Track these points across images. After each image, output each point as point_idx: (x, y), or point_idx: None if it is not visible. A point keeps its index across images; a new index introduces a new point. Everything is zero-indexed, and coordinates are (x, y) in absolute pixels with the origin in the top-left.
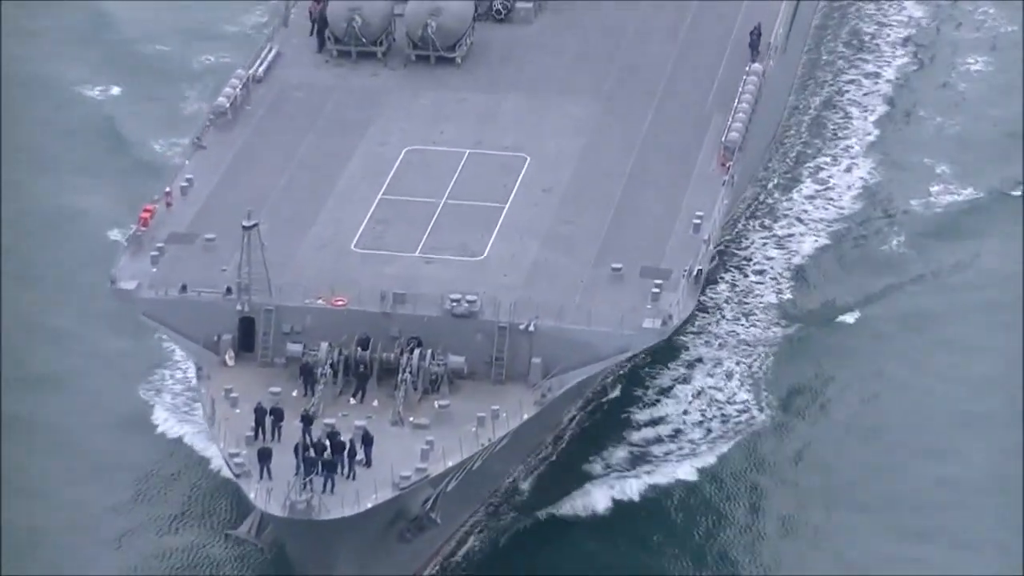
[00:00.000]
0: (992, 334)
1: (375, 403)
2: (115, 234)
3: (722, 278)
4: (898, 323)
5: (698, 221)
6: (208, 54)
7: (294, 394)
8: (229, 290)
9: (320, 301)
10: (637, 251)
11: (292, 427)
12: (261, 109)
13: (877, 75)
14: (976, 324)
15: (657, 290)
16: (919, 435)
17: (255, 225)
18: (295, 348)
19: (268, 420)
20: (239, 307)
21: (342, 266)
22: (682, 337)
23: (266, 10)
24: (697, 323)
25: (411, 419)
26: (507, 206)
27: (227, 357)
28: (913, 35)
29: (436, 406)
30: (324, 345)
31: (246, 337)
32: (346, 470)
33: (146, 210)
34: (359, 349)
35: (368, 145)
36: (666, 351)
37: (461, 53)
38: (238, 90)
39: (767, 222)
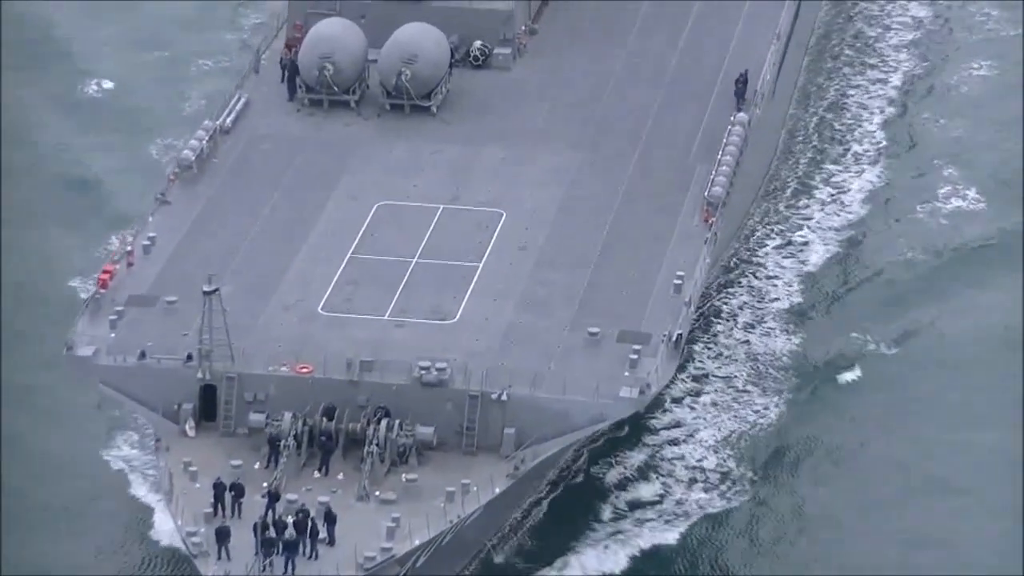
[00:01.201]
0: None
1: (340, 476)
2: (77, 283)
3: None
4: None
5: (679, 282)
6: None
7: (256, 466)
8: (190, 357)
9: (284, 368)
10: (615, 313)
11: (253, 503)
12: (229, 161)
13: (883, 80)
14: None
15: (635, 356)
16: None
17: (216, 290)
18: (258, 418)
19: (228, 496)
20: (200, 375)
21: (308, 330)
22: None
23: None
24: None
25: (377, 493)
26: (481, 265)
27: (187, 427)
28: (917, 39)
29: (404, 479)
30: (288, 415)
31: (207, 406)
32: (308, 550)
33: (106, 271)
34: (324, 419)
35: (339, 200)
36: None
37: (436, 102)
38: (204, 142)
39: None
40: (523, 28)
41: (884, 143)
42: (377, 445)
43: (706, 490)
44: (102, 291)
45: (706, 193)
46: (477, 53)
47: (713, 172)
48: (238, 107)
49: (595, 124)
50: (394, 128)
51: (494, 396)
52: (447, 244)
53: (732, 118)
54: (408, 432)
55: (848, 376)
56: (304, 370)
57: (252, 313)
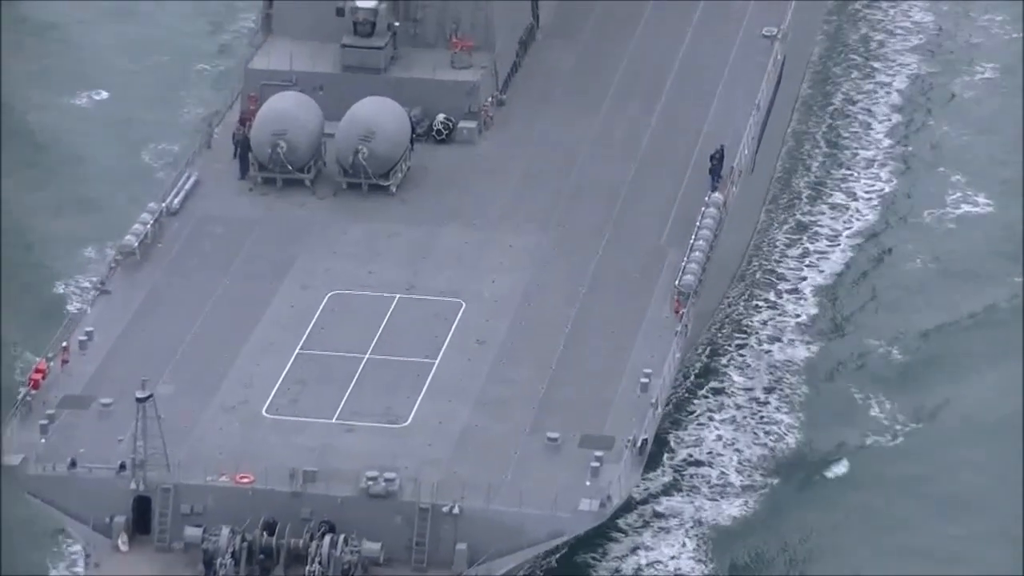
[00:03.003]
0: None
1: None
2: None
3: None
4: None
5: (646, 380)
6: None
7: None
8: (123, 466)
9: (223, 478)
10: (578, 414)
11: None
12: (175, 247)
13: (888, 84)
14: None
15: (597, 464)
16: None
17: (149, 396)
18: (194, 532)
19: None
20: (133, 486)
21: (250, 436)
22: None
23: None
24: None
25: None
26: (437, 362)
27: (120, 541)
28: (921, 44)
29: None
30: (226, 530)
31: (141, 519)
32: None
33: (38, 370)
34: (264, 534)
35: (289, 289)
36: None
37: (396, 181)
38: (149, 226)
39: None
40: (490, 99)
41: (890, 150)
42: (320, 563)
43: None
44: (33, 391)
45: (677, 282)
46: (440, 127)
47: (685, 259)
48: (187, 186)
49: (563, 203)
50: (350, 209)
51: (446, 509)
52: (402, 338)
53: (707, 198)
54: (354, 548)
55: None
56: (244, 480)
57: (191, 416)
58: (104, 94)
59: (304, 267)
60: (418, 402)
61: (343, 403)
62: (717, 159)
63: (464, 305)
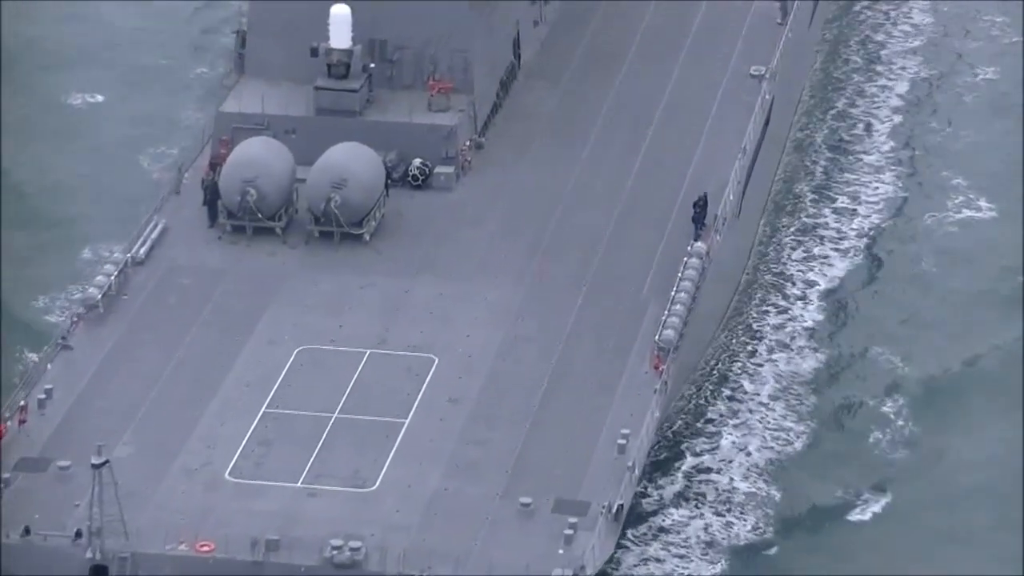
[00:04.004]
0: None
1: None
2: None
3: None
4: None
5: (623, 441)
6: None
7: None
8: (79, 534)
9: (183, 547)
10: (552, 477)
11: None
12: (139, 299)
13: (888, 88)
14: None
15: (571, 531)
16: None
17: (105, 462)
18: None
19: None
20: (89, 554)
21: (212, 501)
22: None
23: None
24: None
25: None
26: (407, 421)
27: None
28: (921, 46)
29: None
30: None
31: None
32: None
33: None
34: None
35: (256, 343)
36: None
37: (369, 229)
38: (113, 277)
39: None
40: (468, 143)
41: (892, 153)
42: None
43: None
44: None
45: (657, 337)
46: (416, 172)
47: (666, 313)
48: (154, 235)
49: (541, 252)
50: (322, 258)
51: None
52: (371, 396)
53: (689, 248)
54: None
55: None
56: (204, 548)
57: (152, 479)
58: (99, 97)
59: (273, 320)
60: (386, 465)
61: (309, 465)
62: (700, 206)
63: (437, 361)
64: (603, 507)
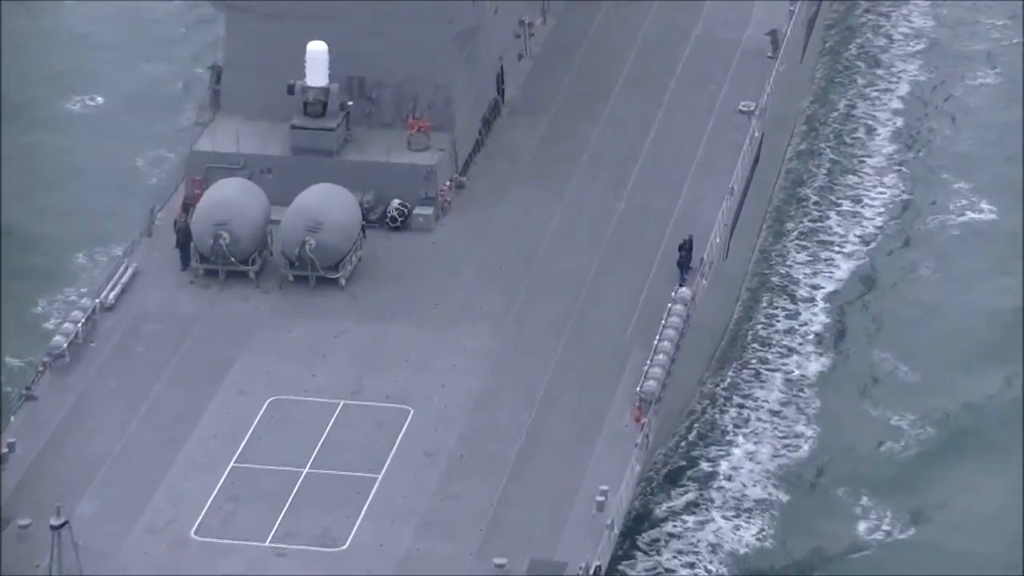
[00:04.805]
0: None
1: None
2: None
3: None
4: None
5: (602, 498)
6: None
7: None
8: None
9: None
10: (528, 536)
11: None
12: (107, 347)
13: (889, 91)
14: None
15: None
16: None
17: (64, 523)
18: None
19: None
20: None
21: (176, 561)
22: None
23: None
24: None
25: None
26: (380, 476)
27: None
28: (922, 49)
29: None
30: None
31: None
32: None
33: None
34: None
35: (227, 394)
36: None
37: (345, 273)
38: (80, 324)
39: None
40: (448, 183)
41: (893, 157)
42: None
43: None
44: None
45: (638, 388)
46: (395, 213)
47: (648, 362)
48: (124, 279)
49: (522, 298)
50: (296, 304)
51: None
52: (344, 450)
53: (673, 294)
54: None
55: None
56: None
57: (115, 538)
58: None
59: (244, 369)
60: (358, 522)
61: (278, 523)
62: (686, 250)
63: (412, 412)
64: (580, 568)
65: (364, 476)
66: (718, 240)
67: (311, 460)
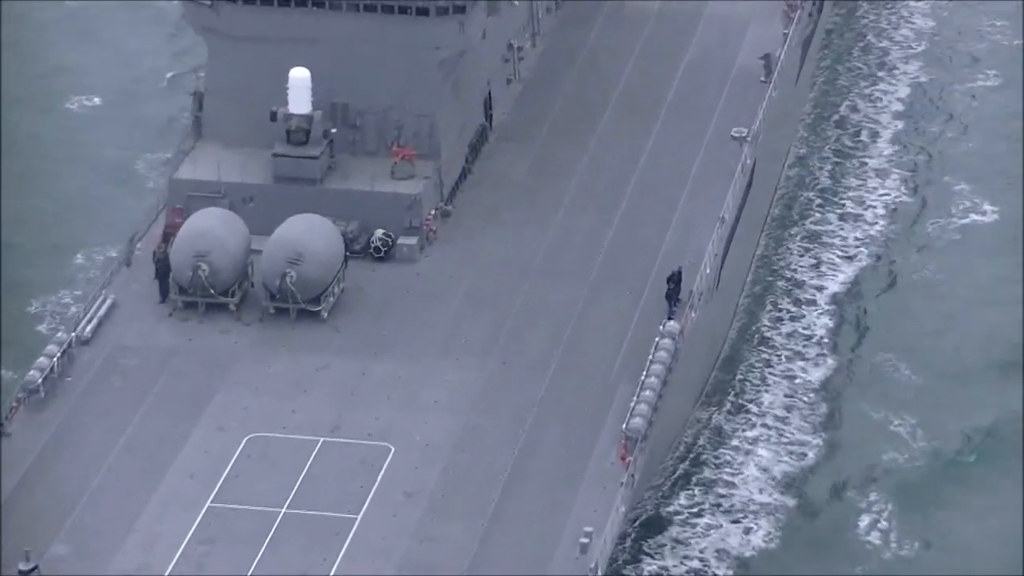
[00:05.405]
0: None
1: None
2: None
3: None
4: None
5: (586, 540)
6: None
7: None
8: None
9: None
10: None
11: None
12: (83, 382)
13: (890, 92)
14: None
15: None
16: None
17: (34, 568)
18: None
19: None
20: None
21: None
22: None
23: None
24: None
25: None
26: (360, 517)
27: None
28: (924, 50)
29: None
30: None
31: None
32: None
33: None
34: None
35: (204, 431)
36: None
37: (327, 306)
38: (56, 359)
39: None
40: (434, 212)
41: (894, 158)
42: None
43: None
44: None
45: (624, 426)
46: (379, 244)
47: (634, 399)
48: (101, 312)
49: (508, 330)
50: (276, 337)
51: None
52: (323, 489)
53: (661, 327)
54: None
55: None
56: None
57: None
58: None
59: (222, 405)
60: (336, 565)
61: (254, 566)
62: (674, 282)
63: (393, 450)
64: None
65: (343, 517)
66: (708, 271)
67: (289, 500)
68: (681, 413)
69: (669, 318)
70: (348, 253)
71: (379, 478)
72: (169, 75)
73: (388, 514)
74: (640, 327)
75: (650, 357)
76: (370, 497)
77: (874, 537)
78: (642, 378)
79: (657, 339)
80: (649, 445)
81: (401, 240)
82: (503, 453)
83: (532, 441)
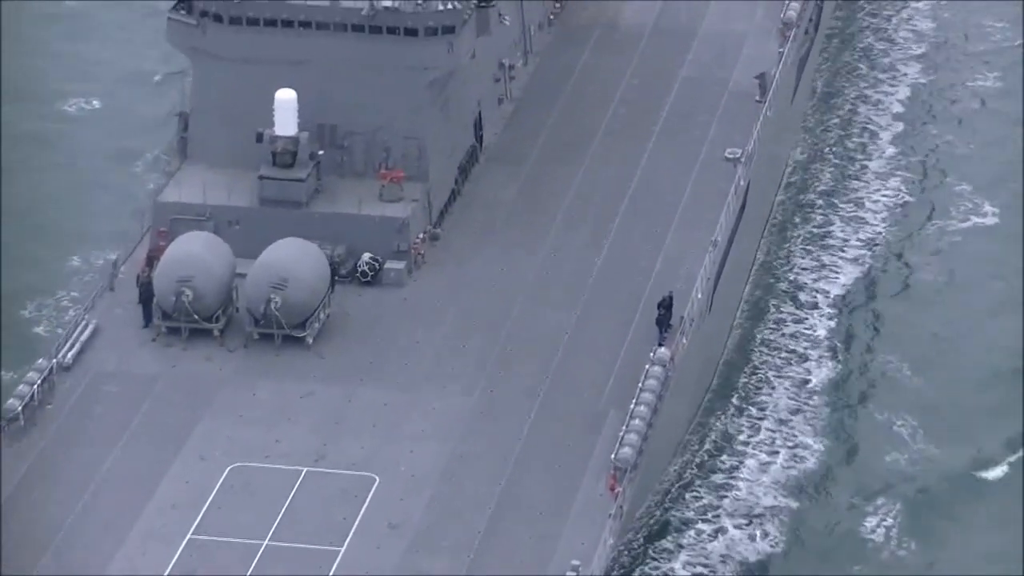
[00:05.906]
0: None
1: None
2: None
3: None
4: None
5: (573, 574)
6: None
7: None
8: None
9: None
10: None
11: None
12: (64, 409)
13: (891, 94)
14: None
15: None
16: None
17: None
18: None
19: None
20: None
21: None
22: None
23: None
24: None
25: None
26: (343, 550)
27: None
28: (924, 52)
29: None
30: None
31: None
32: None
33: None
34: None
35: (186, 461)
36: None
37: (312, 332)
38: (37, 386)
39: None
40: (421, 235)
41: (895, 160)
42: None
43: None
44: None
45: (613, 456)
46: (366, 268)
47: (623, 428)
48: (83, 337)
49: (496, 357)
50: (261, 364)
51: None
52: (306, 520)
53: (651, 354)
54: None
55: None
56: None
57: None
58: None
59: (205, 433)
60: None
61: None
62: (665, 308)
63: (377, 480)
64: None
65: (326, 549)
66: (699, 296)
67: (271, 532)
68: (672, 440)
69: (660, 344)
70: (335, 277)
71: (363, 509)
72: (159, 75)
73: (372, 546)
74: (630, 353)
75: (640, 385)
76: (354, 529)
77: (879, 540)
78: (631, 407)
79: (647, 366)
80: (639, 475)
81: (389, 264)
82: (490, 484)
83: (519, 471)
